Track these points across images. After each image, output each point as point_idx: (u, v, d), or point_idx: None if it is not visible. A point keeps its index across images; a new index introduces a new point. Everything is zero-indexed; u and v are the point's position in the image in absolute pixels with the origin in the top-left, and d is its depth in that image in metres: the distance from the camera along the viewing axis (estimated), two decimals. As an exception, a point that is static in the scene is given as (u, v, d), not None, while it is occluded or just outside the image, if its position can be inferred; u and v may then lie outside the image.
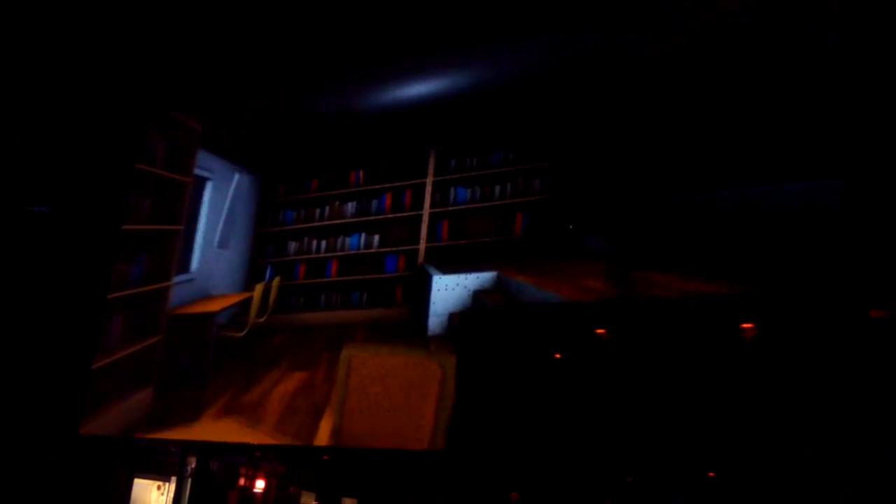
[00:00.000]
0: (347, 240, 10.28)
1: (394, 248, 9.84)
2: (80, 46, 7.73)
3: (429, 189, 9.79)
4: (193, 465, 7.64)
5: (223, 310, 10.33)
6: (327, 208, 10.57)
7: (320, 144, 10.70)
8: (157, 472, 8.15)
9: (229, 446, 7.22)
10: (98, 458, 8.05)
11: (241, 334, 10.02)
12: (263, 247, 10.87)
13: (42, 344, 8.02)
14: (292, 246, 10.72)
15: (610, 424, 4.80)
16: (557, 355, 5.41)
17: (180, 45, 7.96)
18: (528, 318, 5.78)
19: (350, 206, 10.40)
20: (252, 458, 7.19)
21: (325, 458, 6.77)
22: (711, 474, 4.68)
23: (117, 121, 8.57)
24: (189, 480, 7.67)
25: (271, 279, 10.48)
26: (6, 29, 7.16)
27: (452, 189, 9.66)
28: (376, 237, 10.06)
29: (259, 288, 10.36)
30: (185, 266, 10.56)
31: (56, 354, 8.07)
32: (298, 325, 10.13)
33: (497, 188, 9.40)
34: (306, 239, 10.61)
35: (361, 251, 10.12)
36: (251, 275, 10.72)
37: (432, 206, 9.71)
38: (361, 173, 10.43)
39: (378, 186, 10.21)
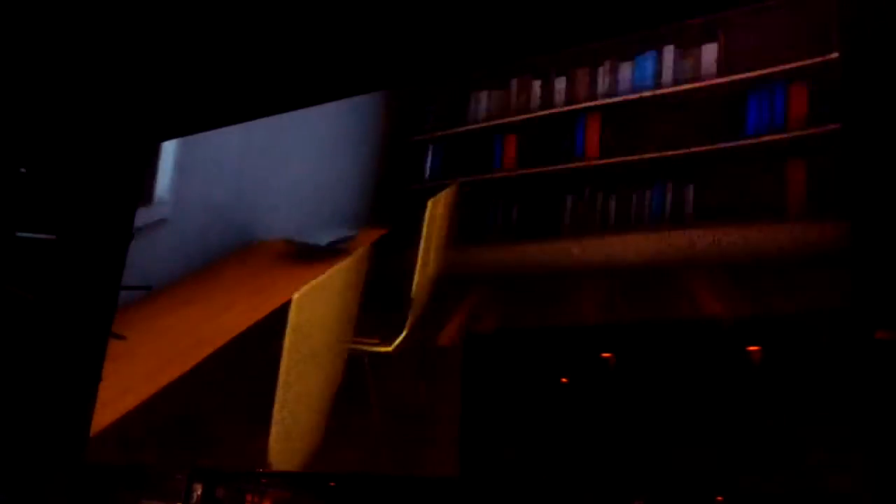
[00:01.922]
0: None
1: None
2: (83, 72, 7.47)
3: None
4: (199, 492, 7.30)
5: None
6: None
7: None
8: (163, 499, 7.52)
9: (235, 474, 6.75)
10: (103, 484, 7.74)
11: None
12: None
13: (47, 368, 7.65)
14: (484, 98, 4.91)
15: (619, 447, 4.75)
16: (564, 379, 5.05)
17: (185, 66, 7.27)
18: (532, 341, 5.08)
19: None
20: (258, 484, 7.10)
21: (332, 484, 6.35)
22: (720, 498, 4.60)
23: (121, 148, 8.09)
24: (195, 507, 7.97)
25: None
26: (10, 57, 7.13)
27: None
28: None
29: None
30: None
31: (61, 378, 7.67)
32: (509, 274, 4.41)
33: None
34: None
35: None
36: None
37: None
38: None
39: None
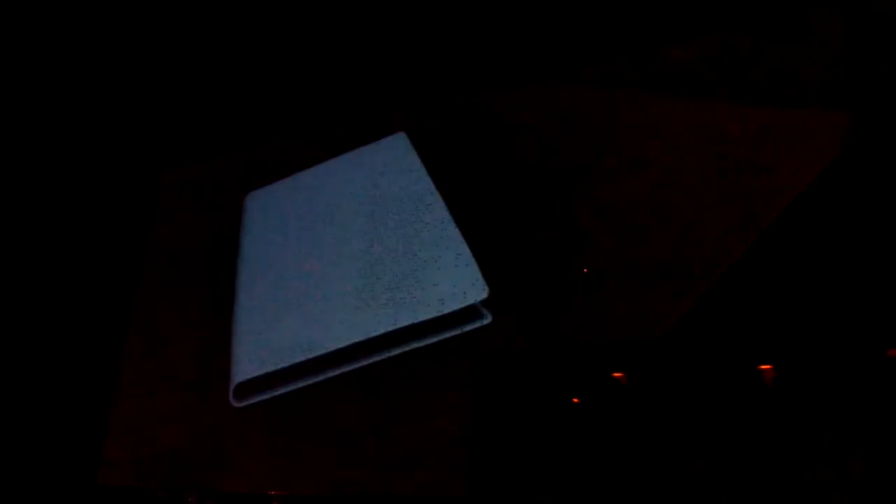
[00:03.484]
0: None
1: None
2: (93, 96, 7.75)
3: None
4: (209, 517, 8.82)
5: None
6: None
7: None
8: (173, 524, 9.44)
9: (247, 496, 6.83)
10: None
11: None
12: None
13: (57, 391, 7.99)
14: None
15: (632, 468, 4.83)
16: (575, 399, 5.37)
17: (196, 92, 7.59)
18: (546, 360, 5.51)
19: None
20: (270, 509, 8.44)
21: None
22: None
23: (131, 176, 8.50)
24: (206, 530, 9.01)
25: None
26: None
27: None
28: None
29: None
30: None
31: (71, 402, 8.01)
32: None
33: None
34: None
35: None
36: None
37: None
38: None
39: None
